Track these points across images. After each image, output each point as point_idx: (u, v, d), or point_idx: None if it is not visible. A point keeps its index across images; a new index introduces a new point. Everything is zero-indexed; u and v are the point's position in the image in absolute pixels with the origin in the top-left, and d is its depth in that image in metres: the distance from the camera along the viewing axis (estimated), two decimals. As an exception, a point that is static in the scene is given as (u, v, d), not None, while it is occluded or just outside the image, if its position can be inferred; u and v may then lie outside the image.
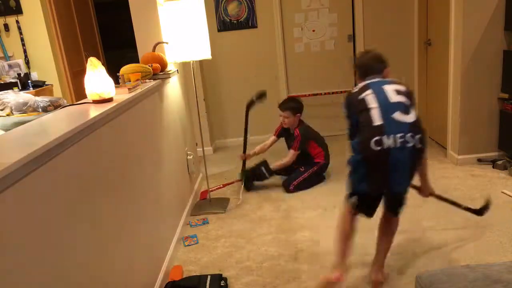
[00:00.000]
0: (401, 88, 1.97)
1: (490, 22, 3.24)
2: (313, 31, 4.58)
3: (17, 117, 2.19)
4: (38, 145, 1.16)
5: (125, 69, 2.41)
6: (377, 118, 1.85)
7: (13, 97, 2.32)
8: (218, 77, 4.69)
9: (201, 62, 4.51)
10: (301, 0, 4.49)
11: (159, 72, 2.65)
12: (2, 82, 3.99)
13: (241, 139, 4.85)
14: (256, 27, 4.54)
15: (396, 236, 2.51)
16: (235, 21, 4.53)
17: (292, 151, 3.46)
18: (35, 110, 2.29)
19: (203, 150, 3.32)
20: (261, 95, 3.59)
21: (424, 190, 2.23)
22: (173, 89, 3.03)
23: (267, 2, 4.48)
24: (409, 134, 1.80)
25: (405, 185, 1.96)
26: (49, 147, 1.20)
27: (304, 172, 3.42)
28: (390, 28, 4.51)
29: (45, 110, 2.28)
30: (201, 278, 2.19)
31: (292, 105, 3.55)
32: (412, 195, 3.03)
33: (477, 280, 1.35)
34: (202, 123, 4.31)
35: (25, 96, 2.35)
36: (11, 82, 3.98)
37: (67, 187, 1.33)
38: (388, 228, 2.14)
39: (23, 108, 2.27)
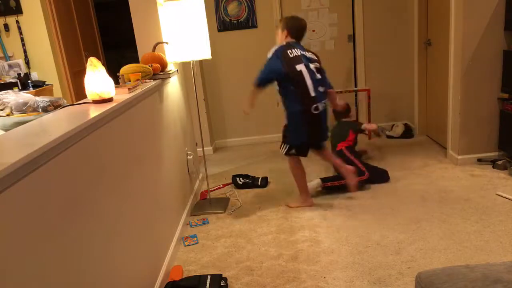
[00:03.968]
0: (316, 60, 2.90)
1: (490, 22, 3.24)
2: (313, 31, 4.58)
3: (17, 117, 2.19)
4: (38, 145, 1.16)
5: (125, 69, 2.42)
6: (312, 91, 2.76)
7: (13, 97, 2.32)
8: (218, 77, 4.69)
9: (201, 62, 4.51)
10: (301, 0, 4.49)
11: (159, 72, 2.65)
12: (2, 82, 3.99)
13: (241, 139, 4.87)
14: (256, 27, 4.54)
15: (396, 236, 2.52)
16: (235, 21, 4.53)
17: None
18: (35, 110, 2.28)
19: (203, 150, 3.32)
20: None
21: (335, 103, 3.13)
22: (173, 89, 3.03)
23: (267, 2, 4.48)
24: (326, 100, 2.87)
25: (327, 133, 2.98)
26: (49, 147, 1.21)
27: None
28: (390, 28, 4.52)
29: (45, 110, 2.28)
30: (201, 278, 2.19)
31: None
32: (409, 196, 3.03)
33: (477, 280, 1.35)
34: (202, 123, 4.31)
35: (25, 96, 2.35)
36: (11, 82, 3.98)
37: (67, 187, 1.33)
38: (323, 154, 3.09)
39: (23, 108, 2.27)
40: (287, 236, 2.66)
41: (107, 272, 1.58)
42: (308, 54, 2.88)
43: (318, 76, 2.83)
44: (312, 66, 2.82)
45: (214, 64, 4.60)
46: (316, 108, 2.77)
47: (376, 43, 4.56)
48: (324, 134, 2.96)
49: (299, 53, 2.80)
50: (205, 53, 2.91)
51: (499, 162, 3.35)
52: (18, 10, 4.30)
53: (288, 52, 2.78)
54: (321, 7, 4.51)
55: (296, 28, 2.89)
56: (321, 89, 2.82)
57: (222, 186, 3.60)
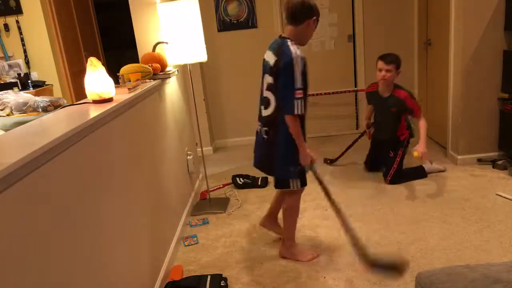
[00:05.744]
0: (275, 70, 2.07)
1: (490, 22, 3.24)
2: (313, 31, 4.57)
3: (17, 117, 2.19)
4: (38, 145, 1.16)
5: (125, 69, 2.42)
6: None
7: (13, 97, 2.32)
8: (218, 77, 4.69)
9: (200, 62, 4.51)
10: (301, 0, 4.49)
11: (159, 72, 2.65)
12: (2, 82, 3.99)
13: (241, 139, 4.86)
14: (256, 27, 4.54)
15: (396, 236, 2.52)
16: (235, 21, 4.53)
17: (421, 119, 3.17)
18: (35, 110, 2.28)
19: (201, 150, 3.32)
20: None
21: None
22: (173, 89, 3.03)
23: (267, 2, 4.48)
24: (264, 128, 2.20)
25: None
26: (49, 147, 1.20)
27: (394, 158, 3.26)
28: (390, 28, 4.51)
29: (45, 110, 2.28)
30: (201, 278, 2.19)
31: (395, 58, 3.16)
32: (409, 196, 3.03)
33: (477, 280, 1.35)
34: (202, 123, 4.31)
35: (25, 96, 2.35)
36: (11, 82, 3.98)
37: (67, 187, 1.33)
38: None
39: (23, 108, 2.27)
40: (287, 236, 2.66)
41: (107, 272, 1.58)
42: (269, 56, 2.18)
43: (266, 93, 2.18)
44: (267, 77, 2.16)
45: (214, 64, 4.60)
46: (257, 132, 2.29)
47: (376, 43, 4.56)
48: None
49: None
50: (201, 56, 2.89)
51: (499, 162, 3.35)
52: (18, 10, 4.29)
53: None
54: (321, 7, 4.51)
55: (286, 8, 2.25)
56: (263, 110, 2.20)
57: (222, 186, 3.60)
